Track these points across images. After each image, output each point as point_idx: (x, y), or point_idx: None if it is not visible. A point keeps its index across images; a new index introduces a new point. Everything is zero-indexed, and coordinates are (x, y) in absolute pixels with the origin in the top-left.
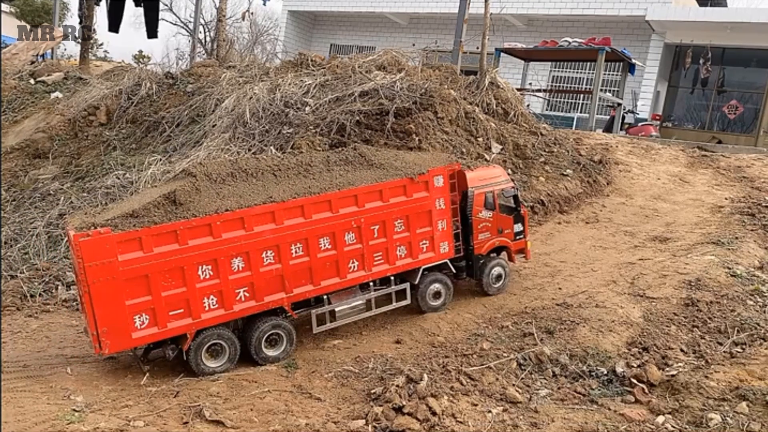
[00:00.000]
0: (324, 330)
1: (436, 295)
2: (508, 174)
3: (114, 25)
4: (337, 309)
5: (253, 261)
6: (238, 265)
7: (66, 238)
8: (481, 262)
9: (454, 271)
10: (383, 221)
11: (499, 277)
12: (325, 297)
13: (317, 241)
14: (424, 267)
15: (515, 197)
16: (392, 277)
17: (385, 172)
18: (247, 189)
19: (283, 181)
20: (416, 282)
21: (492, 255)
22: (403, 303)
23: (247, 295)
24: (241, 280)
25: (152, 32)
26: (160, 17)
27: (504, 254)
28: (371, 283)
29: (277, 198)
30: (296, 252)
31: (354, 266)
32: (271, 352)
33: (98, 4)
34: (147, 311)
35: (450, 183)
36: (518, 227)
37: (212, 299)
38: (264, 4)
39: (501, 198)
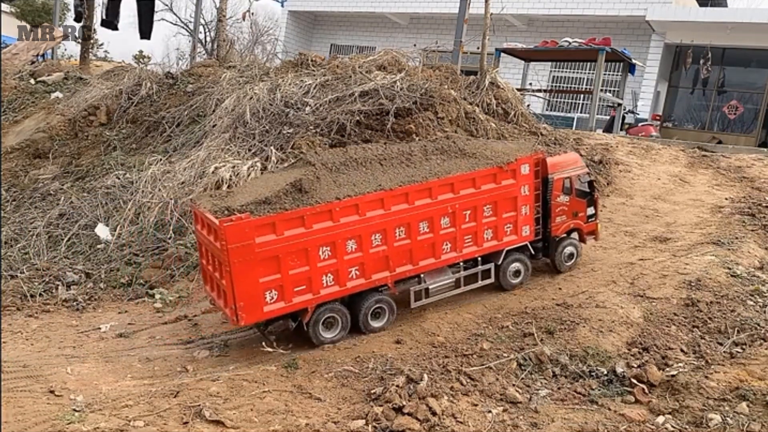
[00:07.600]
0: (420, 305)
1: (516, 273)
2: None
3: (111, 23)
4: (431, 286)
5: (364, 243)
6: (351, 247)
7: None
8: (556, 242)
9: (532, 252)
10: (474, 207)
11: (571, 255)
12: (420, 275)
13: (417, 225)
14: (507, 249)
15: (590, 182)
16: (479, 258)
17: (476, 161)
18: (359, 177)
19: (388, 170)
20: (499, 263)
21: (564, 235)
22: (488, 281)
23: (358, 273)
24: (353, 260)
25: (146, 33)
26: (160, 18)
27: (575, 234)
28: (460, 264)
29: (386, 186)
30: (399, 235)
31: (447, 248)
32: (376, 324)
33: None
34: (276, 288)
35: (534, 171)
36: (591, 210)
37: (329, 277)
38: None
39: (577, 183)
